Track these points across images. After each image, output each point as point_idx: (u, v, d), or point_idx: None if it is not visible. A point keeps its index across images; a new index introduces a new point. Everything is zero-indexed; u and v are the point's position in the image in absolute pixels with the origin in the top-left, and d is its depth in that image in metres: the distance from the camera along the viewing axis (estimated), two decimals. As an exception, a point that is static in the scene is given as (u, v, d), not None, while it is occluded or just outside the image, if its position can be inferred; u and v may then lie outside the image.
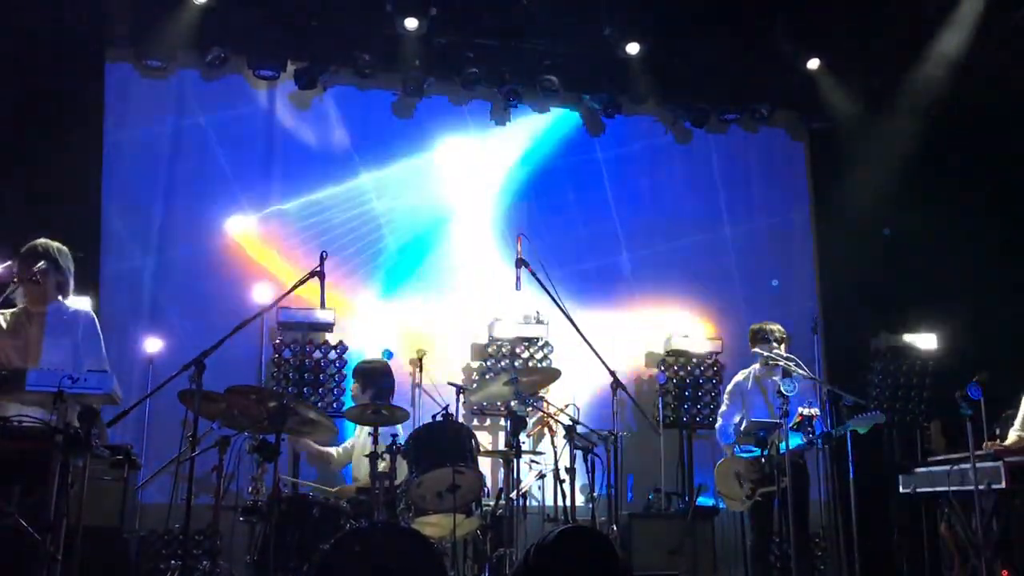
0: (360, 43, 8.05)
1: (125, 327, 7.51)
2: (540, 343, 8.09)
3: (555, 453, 5.86)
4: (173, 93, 8.03)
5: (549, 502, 6.63)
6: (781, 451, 5.86)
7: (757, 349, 6.55)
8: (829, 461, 6.78)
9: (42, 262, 4.76)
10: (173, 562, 6.11)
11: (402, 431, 5.87)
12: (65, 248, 4.96)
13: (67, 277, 4.93)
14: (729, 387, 6.86)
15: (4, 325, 4.80)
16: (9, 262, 4.79)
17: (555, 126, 8.88)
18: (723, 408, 6.81)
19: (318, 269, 5.06)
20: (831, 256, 9.05)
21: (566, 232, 8.66)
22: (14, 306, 4.84)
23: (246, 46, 7.93)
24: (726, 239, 8.97)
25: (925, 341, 8.16)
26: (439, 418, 5.70)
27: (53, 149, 7.23)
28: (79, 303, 5.21)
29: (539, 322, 8.10)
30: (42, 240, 4.89)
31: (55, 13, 7.33)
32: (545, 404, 6.84)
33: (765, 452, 6.20)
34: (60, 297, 4.91)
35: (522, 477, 5.80)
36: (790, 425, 5.84)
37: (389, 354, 7.34)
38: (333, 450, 6.81)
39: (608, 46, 8.32)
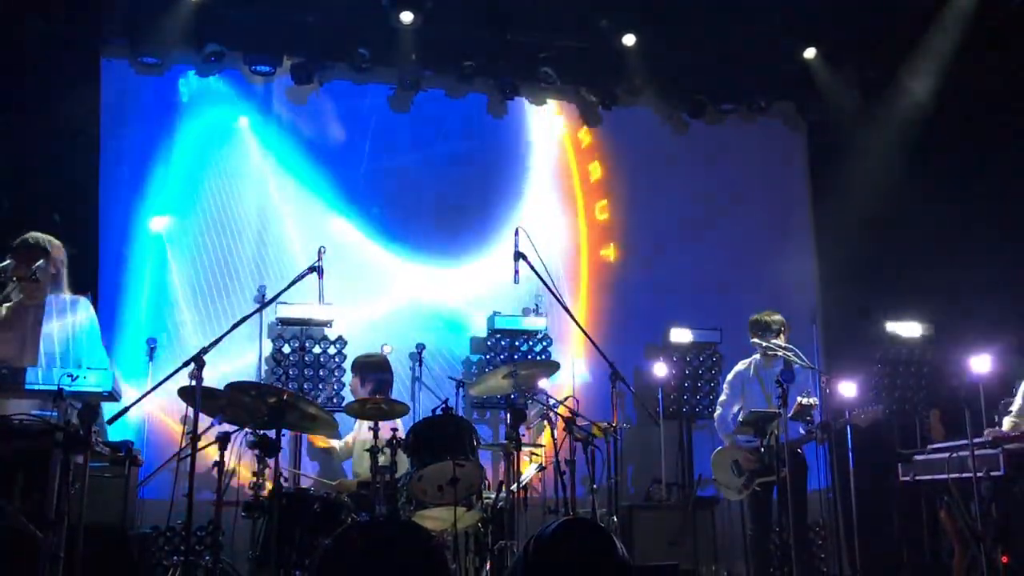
0: (356, 38, 8.04)
1: (125, 325, 7.54)
2: (539, 336, 8.10)
3: (555, 445, 5.87)
4: (169, 89, 8.03)
5: (550, 494, 6.65)
6: (780, 441, 5.87)
7: (756, 340, 6.56)
8: (828, 450, 6.79)
9: (41, 260, 4.77)
10: (175, 558, 6.12)
11: (402, 425, 5.89)
12: (56, 240, 4.98)
13: (60, 269, 4.94)
14: (729, 377, 6.87)
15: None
16: (8, 261, 4.79)
17: (551, 118, 8.89)
18: (722, 398, 6.83)
19: (317, 264, 5.08)
20: (829, 246, 9.06)
21: (565, 226, 8.68)
22: (8, 300, 4.84)
23: (242, 42, 7.93)
24: (724, 229, 8.96)
25: (923, 329, 8.17)
26: (439, 412, 5.71)
27: (51, 147, 7.23)
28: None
29: (538, 315, 8.12)
30: (33, 234, 4.90)
31: (50, 11, 7.32)
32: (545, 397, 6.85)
33: (766, 442, 6.22)
34: (55, 290, 4.92)
35: (522, 470, 5.81)
36: (789, 415, 5.84)
37: (388, 348, 7.36)
38: (336, 443, 6.83)
39: (604, 38, 8.31)
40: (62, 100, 7.37)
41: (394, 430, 5.52)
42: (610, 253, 8.79)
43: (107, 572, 5.24)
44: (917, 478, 6.57)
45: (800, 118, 9.27)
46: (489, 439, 7.67)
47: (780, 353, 6.31)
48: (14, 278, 4.67)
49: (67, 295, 4.99)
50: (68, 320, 4.88)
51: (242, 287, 7.84)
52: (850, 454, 7.30)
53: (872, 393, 7.72)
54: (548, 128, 8.88)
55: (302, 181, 8.20)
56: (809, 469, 6.63)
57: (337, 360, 7.63)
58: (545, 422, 6.36)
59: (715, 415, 6.84)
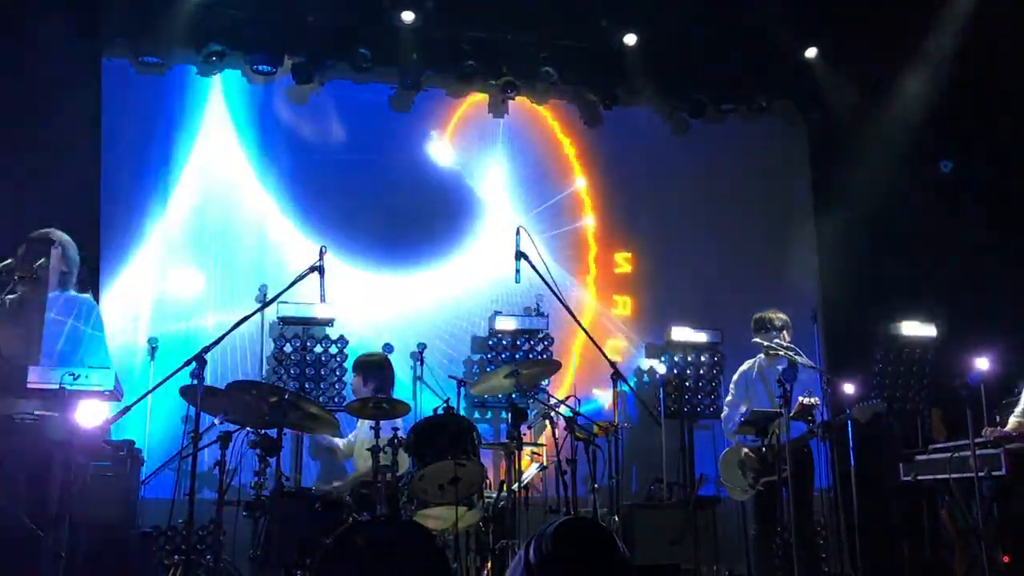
0: (357, 37, 8.04)
1: (125, 324, 7.53)
2: (540, 335, 8.10)
3: (556, 444, 5.87)
4: (170, 89, 8.04)
5: (551, 493, 6.65)
6: (782, 440, 5.87)
7: (758, 339, 6.54)
8: (830, 450, 6.80)
9: (43, 259, 4.80)
10: (177, 557, 6.11)
11: (403, 424, 5.89)
12: (70, 240, 5.04)
13: (71, 269, 4.99)
14: (735, 377, 6.84)
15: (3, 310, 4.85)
16: (10, 260, 4.82)
17: (552, 118, 8.89)
18: (728, 398, 6.81)
19: (318, 264, 5.08)
20: (829, 245, 9.05)
21: (565, 224, 8.68)
22: (15, 293, 4.87)
23: (243, 41, 7.93)
24: (725, 229, 8.95)
25: (924, 329, 8.17)
26: (440, 411, 5.71)
27: (51, 147, 7.23)
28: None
29: (539, 314, 8.12)
30: (48, 231, 4.97)
31: (50, 11, 7.31)
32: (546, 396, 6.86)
33: (767, 441, 6.21)
34: (62, 288, 4.96)
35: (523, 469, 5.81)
36: (791, 414, 5.84)
37: (389, 347, 7.37)
38: (340, 441, 6.83)
39: (605, 38, 8.31)
40: (63, 100, 7.37)
41: (395, 429, 5.52)
42: (610, 253, 8.78)
43: (108, 571, 5.25)
44: (918, 478, 6.58)
45: (800, 117, 9.26)
46: (490, 439, 7.67)
47: (782, 352, 6.30)
48: (16, 276, 4.69)
49: (73, 293, 5.01)
50: (71, 320, 4.90)
51: (242, 286, 7.83)
52: (851, 453, 7.28)
53: (873, 392, 7.72)
54: (548, 128, 8.89)
55: (301, 179, 8.19)
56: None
57: (338, 359, 7.64)
58: (546, 421, 6.35)
59: (722, 415, 6.84)
